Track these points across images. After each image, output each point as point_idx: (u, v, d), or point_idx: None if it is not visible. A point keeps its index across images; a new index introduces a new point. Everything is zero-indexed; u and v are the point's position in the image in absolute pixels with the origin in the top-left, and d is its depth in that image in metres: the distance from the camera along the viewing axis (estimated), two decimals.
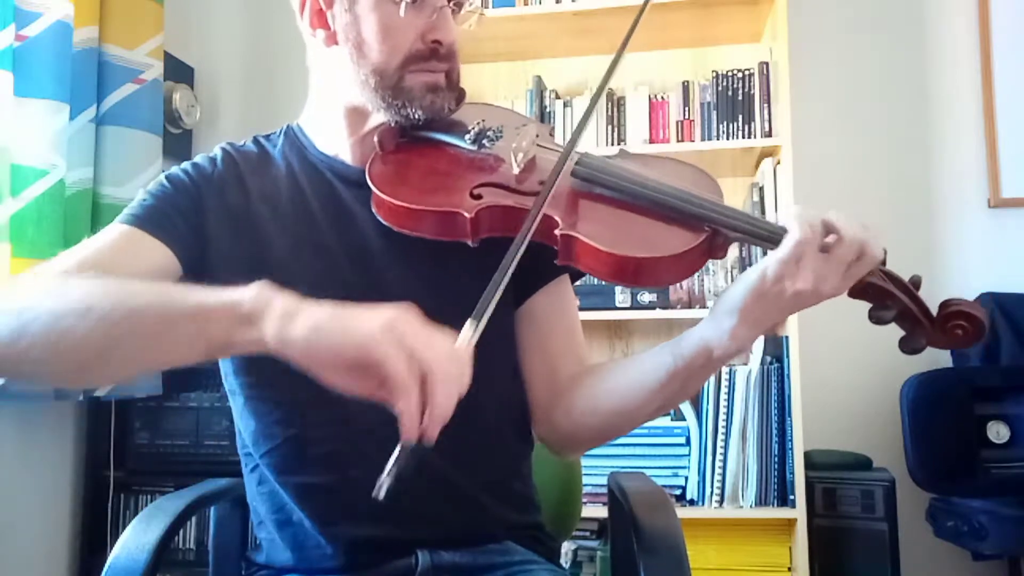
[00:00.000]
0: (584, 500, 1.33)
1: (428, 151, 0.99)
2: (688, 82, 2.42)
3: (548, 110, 2.48)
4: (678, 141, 2.39)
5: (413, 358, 0.65)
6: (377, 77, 0.93)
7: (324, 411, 0.94)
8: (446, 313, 0.73)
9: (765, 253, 0.83)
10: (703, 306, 2.24)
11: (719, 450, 2.15)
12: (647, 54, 2.54)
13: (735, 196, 2.46)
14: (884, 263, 0.85)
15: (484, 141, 0.98)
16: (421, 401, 0.65)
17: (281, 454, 0.96)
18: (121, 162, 2.10)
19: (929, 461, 2.04)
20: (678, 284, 2.25)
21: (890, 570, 2.04)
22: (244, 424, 1.00)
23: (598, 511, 1.76)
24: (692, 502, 2.16)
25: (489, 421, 0.99)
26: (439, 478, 0.95)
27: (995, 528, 1.96)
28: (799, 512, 2.07)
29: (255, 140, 1.06)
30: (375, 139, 0.97)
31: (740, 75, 2.36)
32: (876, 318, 0.85)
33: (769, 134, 2.29)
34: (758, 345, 2.18)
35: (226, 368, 1.00)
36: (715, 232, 0.86)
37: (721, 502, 2.13)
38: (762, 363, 2.16)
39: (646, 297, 2.25)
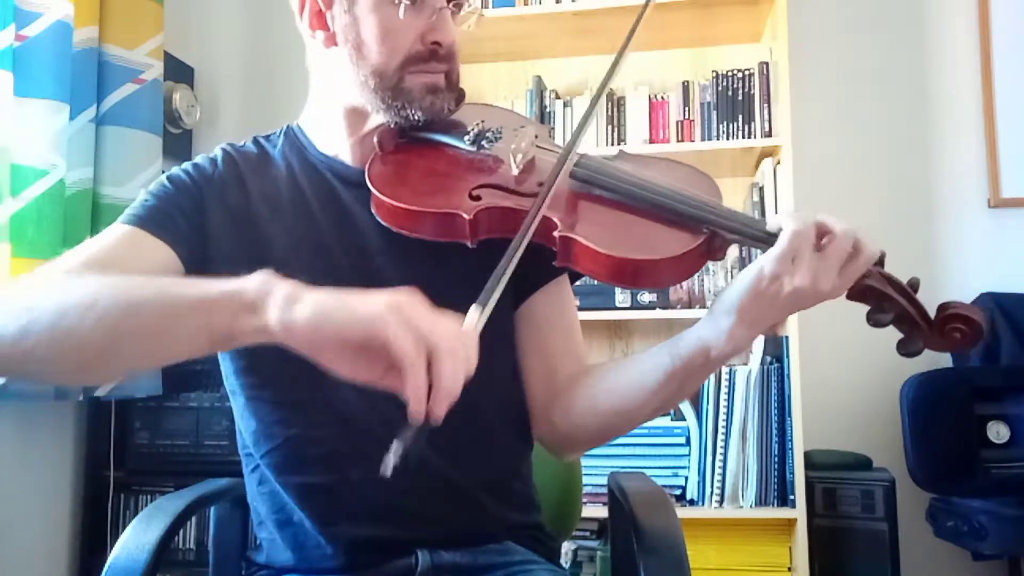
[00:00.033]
0: (584, 500, 1.33)
1: (427, 152, 0.99)
2: (688, 82, 2.42)
3: (548, 110, 2.48)
4: (678, 141, 2.39)
5: (419, 335, 0.64)
6: (376, 78, 0.94)
7: (324, 412, 0.94)
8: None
9: None
10: (703, 306, 2.24)
11: (719, 450, 2.15)
12: (647, 54, 2.54)
13: (735, 196, 2.46)
14: (882, 265, 0.85)
15: (483, 142, 0.98)
16: (427, 378, 0.64)
17: (281, 454, 0.97)
18: (121, 162, 2.10)
19: (929, 461, 2.04)
20: (678, 284, 2.25)
21: (890, 570, 2.04)
22: (245, 424, 1.00)
23: (598, 511, 1.76)
24: (692, 502, 2.16)
25: (489, 421, 0.99)
26: (439, 478, 0.95)
27: (995, 528, 1.96)
28: (799, 512, 2.07)
29: (255, 140, 1.07)
30: (375, 140, 0.97)
31: (740, 75, 2.36)
32: (874, 321, 0.85)
33: (769, 134, 2.30)
34: (758, 345, 2.18)
35: (227, 368, 1.00)
36: (713, 234, 0.86)
37: (721, 502, 2.13)
38: (762, 363, 2.16)
39: (646, 297, 2.25)
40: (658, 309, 2.25)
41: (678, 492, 2.17)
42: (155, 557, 0.90)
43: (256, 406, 0.98)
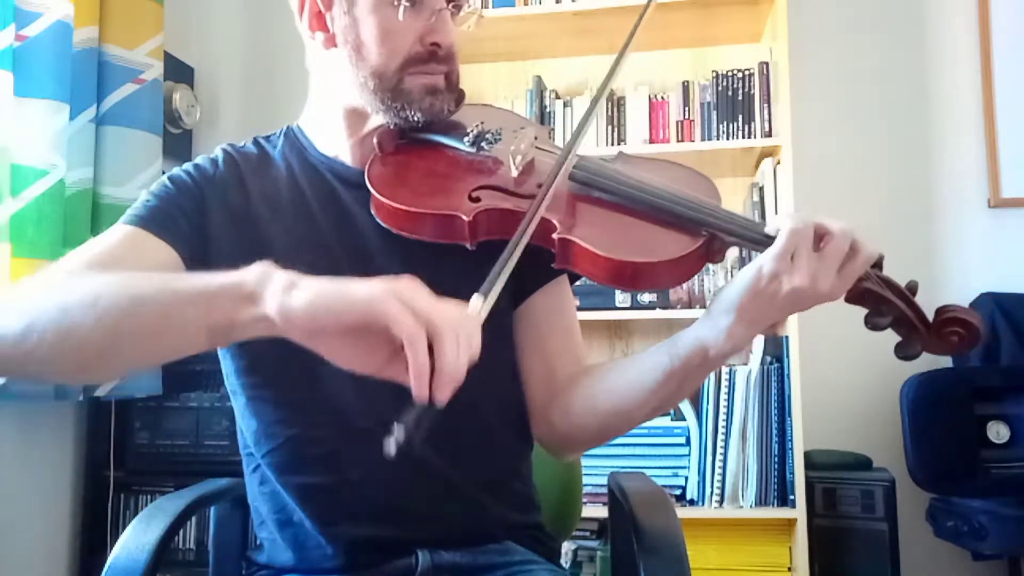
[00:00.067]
0: (584, 500, 1.33)
1: (427, 153, 0.99)
2: (688, 82, 2.42)
3: (548, 110, 2.48)
4: (678, 141, 2.39)
5: (420, 315, 0.64)
6: (376, 79, 0.94)
7: (325, 412, 0.94)
8: None
9: None
10: (703, 306, 2.24)
11: (719, 450, 2.15)
12: (647, 54, 2.54)
13: (735, 196, 2.46)
14: (880, 268, 0.85)
15: (483, 143, 0.98)
16: (430, 359, 0.63)
17: (282, 454, 0.97)
18: (121, 162, 2.10)
19: (929, 461, 2.04)
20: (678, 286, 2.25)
21: (890, 570, 2.04)
22: (246, 424, 1.00)
23: (598, 511, 1.76)
24: (692, 502, 2.16)
25: (489, 421, 1.00)
26: (439, 478, 0.95)
27: (995, 528, 1.96)
28: (799, 512, 2.07)
29: (255, 141, 1.07)
30: (374, 141, 0.97)
31: (740, 75, 2.36)
32: (872, 324, 0.85)
33: (769, 134, 2.30)
34: (758, 345, 2.19)
35: (228, 368, 1.00)
36: (712, 236, 0.86)
37: (721, 502, 2.13)
38: (762, 363, 2.16)
39: (646, 297, 2.25)
40: (658, 309, 2.26)
41: (678, 492, 2.17)
42: (155, 557, 0.90)
43: (257, 406, 0.98)
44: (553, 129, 2.42)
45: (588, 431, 1.00)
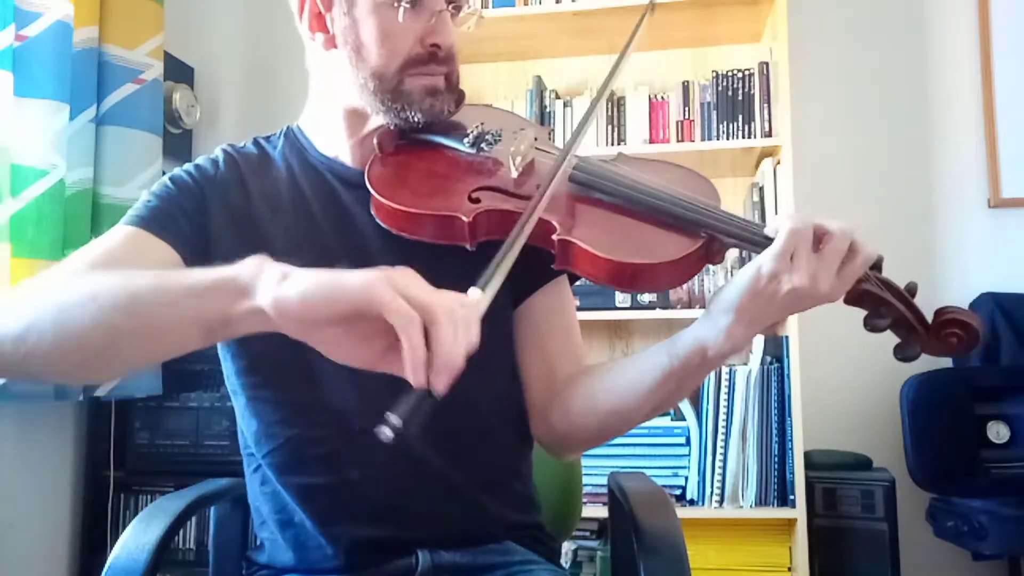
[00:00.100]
0: (584, 500, 1.33)
1: (427, 154, 0.99)
2: (688, 82, 2.42)
3: (548, 110, 2.48)
4: (678, 141, 2.39)
5: (414, 300, 0.62)
6: (376, 80, 0.94)
7: (325, 412, 0.94)
8: None
9: None
10: (703, 306, 2.24)
11: (719, 450, 2.15)
12: (647, 54, 2.54)
13: (735, 196, 2.46)
14: (880, 269, 0.85)
15: (483, 144, 0.98)
16: (426, 347, 0.61)
17: (282, 455, 0.97)
18: (121, 162, 2.10)
19: (929, 461, 2.04)
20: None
21: (890, 570, 2.04)
22: (246, 424, 1.00)
23: (598, 511, 1.76)
24: (692, 502, 2.17)
25: (489, 421, 1.00)
26: (439, 478, 0.95)
27: (995, 528, 1.96)
28: (799, 512, 2.07)
29: (255, 142, 1.07)
30: (374, 141, 0.97)
31: (740, 75, 2.36)
32: (871, 326, 0.85)
33: (769, 134, 2.30)
34: (758, 345, 2.19)
35: (228, 368, 1.00)
36: (712, 238, 0.86)
37: (721, 502, 2.13)
38: (762, 363, 2.16)
39: (646, 297, 2.25)
40: (658, 309, 2.26)
41: (678, 492, 2.17)
42: (155, 557, 0.90)
43: (257, 406, 0.98)
44: (553, 130, 2.42)
45: (588, 431, 1.00)
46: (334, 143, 1.02)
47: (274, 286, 0.65)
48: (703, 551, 2.14)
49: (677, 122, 2.41)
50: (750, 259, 0.83)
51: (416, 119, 0.95)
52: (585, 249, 0.85)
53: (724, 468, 2.14)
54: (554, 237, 0.87)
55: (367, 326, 0.63)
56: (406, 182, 0.94)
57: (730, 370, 2.17)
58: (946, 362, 2.21)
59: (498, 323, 1.00)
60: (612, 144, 2.42)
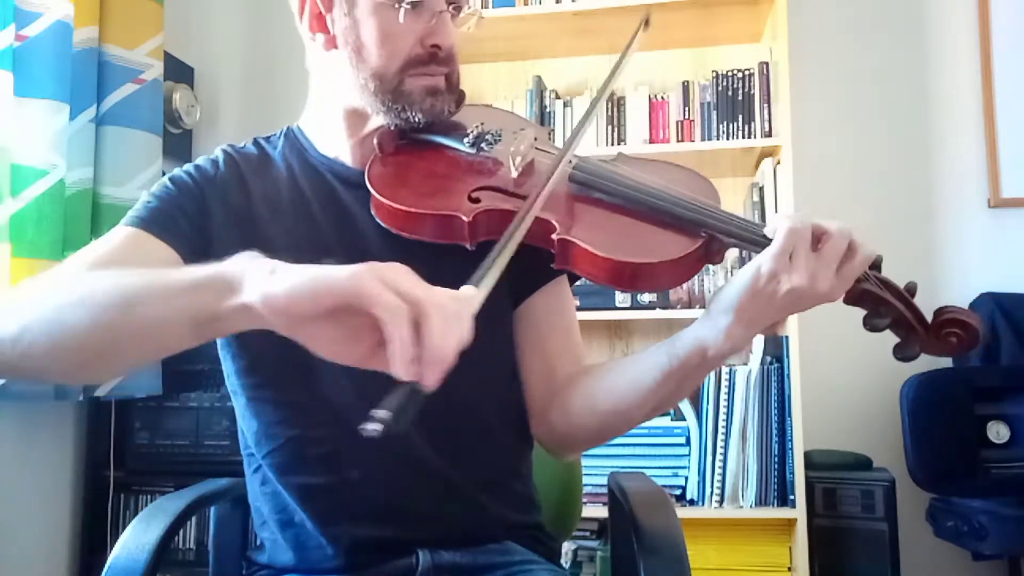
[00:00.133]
0: (584, 500, 1.33)
1: (427, 154, 0.99)
2: (688, 82, 2.42)
3: (548, 110, 2.48)
4: (678, 141, 2.39)
5: (403, 293, 0.60)
6: (376, 81, 0.94)
7: (325, 412, 0.94)
8: None
9: None
10: (703, 306, 2.24)
11: (719, 450, 2.15)
12: (647, 54, 2.54)
13: (735, 196, 2.46)
14: (879, 269, 0.85)
15: (483, 144, 0.98)
16: (416, 341, 0.60)
17: (282, 455, 0.97)
18: (121, 162, 2.10)
19: (929, 461, 2.04)
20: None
21: (890, 570, 2.04)
22: (247, 425, 1.00)
23: (598, 511, 1.76)
24: (692, 502, 2.17)
25: (489, 421, 1.00)
26: (439, 478, 0.95)
27: (995, 528, 1.96)
28: (799, 512, 2.08)
29: (255, 142, 1.07)
30: (375, 141, 0.97)
31: (740, 75, 2.36)
32: (871, 325, 0.85)
33: (769, 134, 2.30)
34: (758, 345, 2.19)
35: (228, 369, 1.01)
36: (711, 237, 0.87)
37: (721, 502, 2.13)
38: (762, 363, 2.16)
39: (646, 297, 2.25)
40: (658, 309, 2.26)
41: (678, 492, 2.17)
42: (155, 557, 0.90)
43: (257, 406, 0.98)
44: (553, 130, 2.42)
45: (587, 431, 1.00)
46: (334, 143, 1.02)
47: (262, 283, 0.64)
48: (703, 551, 2.14)
49: (677, 122, 2.41)
50: (750, 259, 0.83)
51: (417, 119, 0.95)
52: (585, 248, 0.85)
53: (724, 468, 2.14)
54: (554, 236, 0.87)
55: (356, 322, 0.62)
56: (406, 182, 0.94)
57: (730, 370, 2.17)
58: (946, 362, 2.21)
59: (498, 323, 1.00)
60: (612, 144, 2.42)
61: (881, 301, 0.84)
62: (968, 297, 2.32)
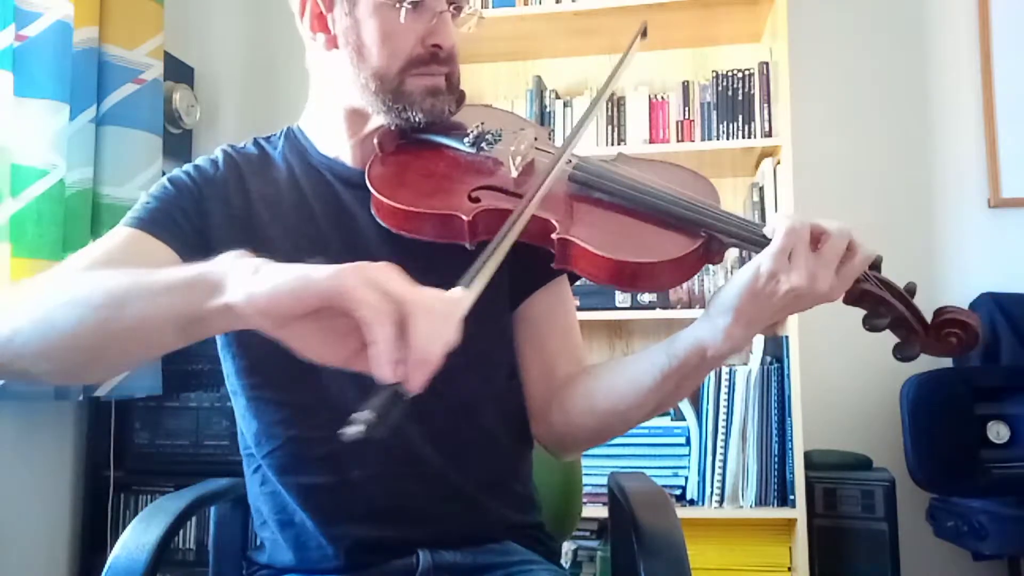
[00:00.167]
0: (584, 500, 1.33)
1: (427, 153, 0.99)
2: (688, 82, 2.42)
3: (548, 110, 2.48)
4: (678, 141, 2.39)
5: (386, 293, 0.59)
6: (377, 81, 0.94)
7: (324, 412, 0.94)
8: None
9: None
10: (703, 306, 2.24)
11: (719, 450, 2.15)
12: (647, 54, 2.54)
13: (735, 196, 2.46)
14: (879, 269, 0.85)
15: (483, 144, 0.98)
16: (399, 338, 0.58)
17: (282, 455, 0.97)
18: (121, 162, 2.10)
19: (929, 461, 2.04)
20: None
21: (890, 570, 2.04)
22: (246, 425, 1.00)
23: (598, 511, 1.76)
24: (692, 502, 2.17)
25: (488, 421, 1.00)
26: (439, 478, 0.95)
27: (995, 528, 1.96)
28: (799, 512, 2.08)
29: (255, 142, 1.07)
30: (375, 141, 0.97)
31: (740, 75, 2.36)
32: (871, 326, 0.85)
33: (769, 134, 2.30)
34: (758, 345, 2.19)
35: (228, 369, 1.00)
36: (711, 237, 0.87)
37: (721, 502, 2.13)
38: (762, 363, 2.16)
39: (646, 297, 2.25)
40: (658, 309, 2.26)
41: (678, 492, 2.17)
42: (155, 557, 0.90)
43: (257, 407, 0.98)
44: (553, 130, 2.42)
45: (587, 431, 1.00)
46: (335, 143, 1.02)
47: (244, 282, 0.63)
48: (703, 551, 2.14)
49: (677, 122, 2.41)
50: (750, 259, 0.83)
51: (417, 119, 0.95)
52: (584, 248, 0.85)
53: (724, 468, 2.14)
54: (553, 236, 0.87)
55: (340, 322, 0.60)
56: (406, 181, 0.94)
57: (730, 370, 2.17)
58: (946, 362, 2.21)
59: (497, 323, 1.00)
60: (612, 144, 2.42)
61: (881, 301, 0.84)
62: (968, 297, 2.32)
